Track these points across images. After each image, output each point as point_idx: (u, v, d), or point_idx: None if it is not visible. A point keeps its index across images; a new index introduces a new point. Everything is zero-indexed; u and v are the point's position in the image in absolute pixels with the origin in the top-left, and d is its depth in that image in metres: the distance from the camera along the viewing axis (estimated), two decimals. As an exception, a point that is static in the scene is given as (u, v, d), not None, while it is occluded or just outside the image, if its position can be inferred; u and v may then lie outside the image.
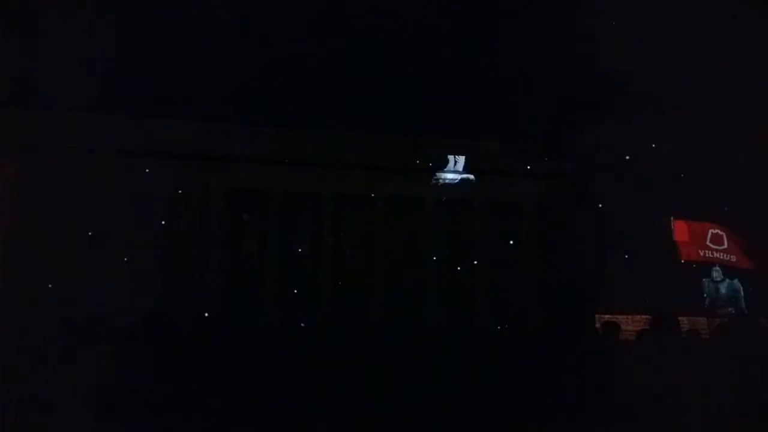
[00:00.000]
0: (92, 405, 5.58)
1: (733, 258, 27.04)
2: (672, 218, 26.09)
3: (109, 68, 21.61)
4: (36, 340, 6.92)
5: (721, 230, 27.16)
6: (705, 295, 26.89)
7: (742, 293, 26.89)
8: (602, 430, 5.32)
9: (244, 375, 6.47)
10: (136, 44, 22.19)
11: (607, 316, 18.04)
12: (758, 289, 25.69)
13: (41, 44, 22.94)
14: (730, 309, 26.59)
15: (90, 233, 21.87)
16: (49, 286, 20.99)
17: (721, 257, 27.10)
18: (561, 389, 5.81)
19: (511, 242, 25.96)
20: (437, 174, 26.02)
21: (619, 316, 18.04)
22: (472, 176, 25.99)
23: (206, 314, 20.05)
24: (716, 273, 27.24)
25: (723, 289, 27.11)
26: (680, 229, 26.64)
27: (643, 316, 19.40)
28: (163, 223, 23.26)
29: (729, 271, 27.15)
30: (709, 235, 27.11)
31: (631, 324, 17.89)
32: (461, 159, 26.08)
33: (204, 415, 5.83)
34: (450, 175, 26.06)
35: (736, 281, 27.04)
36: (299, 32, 25.89)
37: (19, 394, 5.69)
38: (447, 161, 26.08)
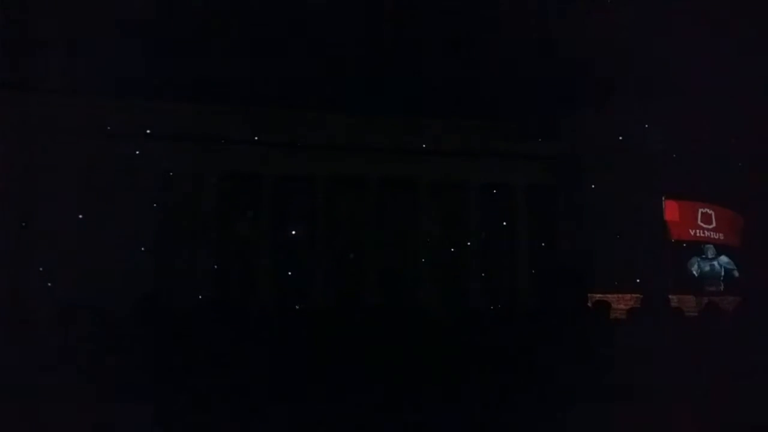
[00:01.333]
0: (91, 387, 5.63)
1: (722, 236, 27.37)
2: (663, 198, 26.28)
3: (102, 50, 21.32)
4: (33, 327, 6.94)
5: (710, 209, 27.44)
6: (694, 273, 27.17)
7: (732, 268, 27.18)
8: (597, 405, 5.42)
9: (239, 357, 6.53)
10: (130, 26, 21.89)
11: (598, 295, 18.22)
12: (746, 266, 26.00)
13: (36, 26, 22.62)
14: (719, 287, 26.90)
15: (81, 216, 21.70)
16: (40, 269, 20.91)
17: (710, 236, 27.42)
18: (555, 365, 5.91)
19: (505, 223, 26.02)
20: (431, 155, 25.91)
21: (609, 295, 18.22)
22: (465, 157, 25.91)
23: (200, 297, 20.06)
24: (708, 251, 27.50)
25: (712, 266, 27.39)
26: (671, 209, 26.88)
27: (634, 295, 19.68)
28: (155, 205, 23.08)
29: (718, 249, 27.45)
30: (699, 214, 27.40)
31: (622, 303, 18.14)
32: (455, 140, 26.00)
33: (201, 398, 5.88)
34: (443, 157, 25.95)
35: (723, 257, 27.34)
36: (294, 14, 25.62)
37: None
38: (440, 142, 25.99)
